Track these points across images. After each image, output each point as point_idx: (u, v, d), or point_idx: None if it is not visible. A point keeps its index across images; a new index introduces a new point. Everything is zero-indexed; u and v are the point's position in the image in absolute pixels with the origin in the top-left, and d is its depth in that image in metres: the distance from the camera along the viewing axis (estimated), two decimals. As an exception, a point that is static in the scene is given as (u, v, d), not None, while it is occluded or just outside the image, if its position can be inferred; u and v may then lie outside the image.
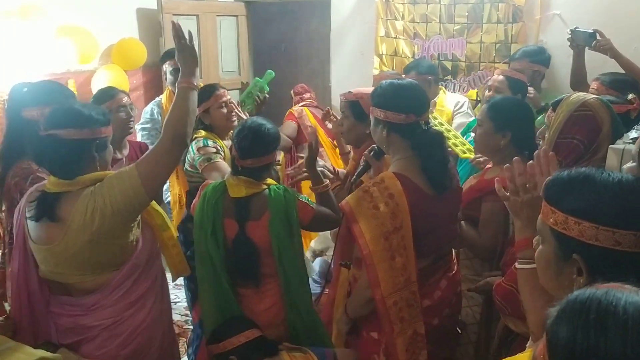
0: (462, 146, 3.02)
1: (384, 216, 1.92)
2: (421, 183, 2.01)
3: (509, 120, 2.28)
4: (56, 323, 2.03)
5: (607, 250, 1.11)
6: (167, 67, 3.79)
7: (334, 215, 2.29)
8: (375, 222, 1.92)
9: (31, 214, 1.91)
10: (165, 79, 3.67)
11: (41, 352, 1.83)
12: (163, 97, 3.85)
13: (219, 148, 2.84)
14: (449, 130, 3.11)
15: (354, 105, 2.45)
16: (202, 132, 2.90)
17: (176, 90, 2.00)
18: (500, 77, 3.24)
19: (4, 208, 2.40)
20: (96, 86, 4.03)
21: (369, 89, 2.37)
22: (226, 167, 2.69)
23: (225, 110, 2.91)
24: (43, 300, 2.02)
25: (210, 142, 2.84)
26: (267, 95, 3.30)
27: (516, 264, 1.53)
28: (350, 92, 2.49)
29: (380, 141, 2.12)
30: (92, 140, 1.92)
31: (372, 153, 2.23)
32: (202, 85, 2.96)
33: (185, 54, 2.03)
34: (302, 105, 4.42)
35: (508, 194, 1.53)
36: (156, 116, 3.77)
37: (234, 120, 2.93)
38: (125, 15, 4.42)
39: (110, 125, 2.00)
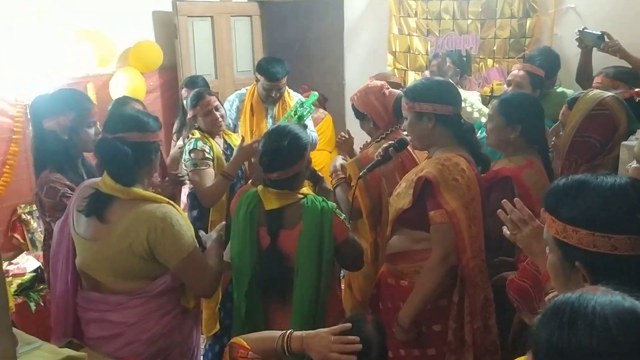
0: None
1: (462, 187, 2.08)
2: (472, 162, 2.19)
3: (518, 115, 2.33)
4: (81, 315, 2.12)
5: (606, 256, 1.14)
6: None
7: (362, 247, 2.26)
8: (457, 193, 2.07)
9: (82, 209, 2.01)
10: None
11: (67, 351, 1.89)
12: (247, 93, 3.81)
13: (208, 151, 2.99)
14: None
15: (354, 108, 2.82)
16: (197, 133, 3.05)
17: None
18: (522, 72, 3.23)
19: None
20: (114, 89, 4.10)
21: (360, 89, 2.79)
22: (210, 175, 2.91)
23: (210, 117, 3.05)
24: (73, 289, 2.13)
25: (200, 144, 2.98)
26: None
27: (546, 297, 1.51)
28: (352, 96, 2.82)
29: (423, 134, 2.22)
30: (151, 144, 2.06)
31: (391, 147, 2.31)
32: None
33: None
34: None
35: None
36: (234, 112, 3.77)
37: (221, 125, 3.11)
38: (141, 19, 4.47)
39: (161, 131, 2.13)
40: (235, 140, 3.20)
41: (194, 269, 2.04)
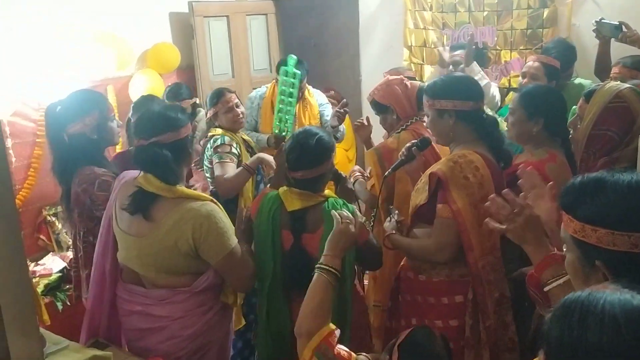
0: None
1: (473, 186, 2.07)
2: (492, 159, 2.18)
3: (541, 108, 2.31)
4: (121, 307, 2.18)
5: (626, 254, 1.13)
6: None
7: (381, 247, 2.28)
8: (466, 192, 2.07)
9: (126, 207, 2.04)
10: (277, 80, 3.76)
11: (93, 351, 1.94)
12: (268, 90, 3.85)
13: (234, 145, 3.09)
14: None
15: (374, 103, 2.83)
16: (219, 130, 3.13)
17: None
18: (537, 63, 3.21)
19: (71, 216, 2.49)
20: (134, 91, 4.15)
21: (377, 85, 2.80)
22: (233, 169, 2.98)
23: (232, 113, 3.16)
24: (112, 281, 2.19)
25: (227, 139, 3.08)
26: (344, 101, 3.47)
27: (545, 288, 1.52)
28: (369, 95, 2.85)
29: (444, 131, 2.23)
30: (186, 139, 2.09)
31: (414, 147, 2.34)
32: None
33: None
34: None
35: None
36: (255, 110, 3.81)
37: (242, 122, 3.23)
38: (158, 20, 4.52)
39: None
40: (252, 142, 3.35)
41: (236, 265, 2.07)
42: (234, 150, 3.07)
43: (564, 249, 1.31)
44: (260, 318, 2.21)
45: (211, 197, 2.13)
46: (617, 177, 1.18)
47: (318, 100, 3.91)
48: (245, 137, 3.34)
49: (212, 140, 3.12)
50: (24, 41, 3.57)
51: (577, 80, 3.38)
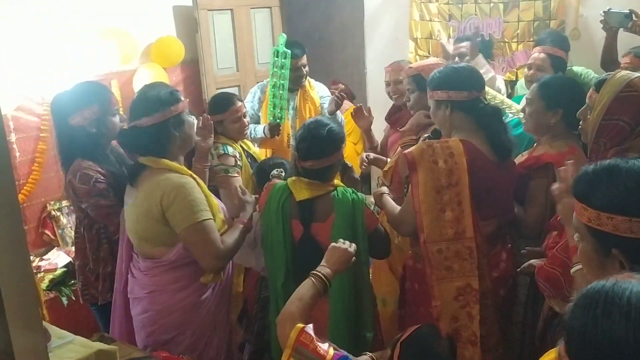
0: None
1: (440, 172, 2.09)
2: (485, 149, 2.17)
3: (560, 98, 2.30)
4: (128, 278, 2.29)
5: None
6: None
7: (388, 236, 2.33)
8: (431, 175, 2.09)
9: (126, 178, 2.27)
10: None
11: (98, 345, 1.93)
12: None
13: (238, 157, 2.91)
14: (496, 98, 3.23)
15: (418, 79, 2.69)
16: (222, 138, 2.93)
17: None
18: (542, 54, 3.18)
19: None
20: (138, 85, 4.13)
21: (428, 62, 2.70)
22: (239, 183, 2.79)
23: (240, 124, 2.97)
24: (127, 257, 2.32)
25: (230, 150, 2.89)
26: (341, 85, 3.35)
27: (572, 270, 1.53)
28: (410, 67, 2.76)
29: (442, 122, 2.26)
30: (166, 122, 2.15)
31: (428, 137, 2.38)
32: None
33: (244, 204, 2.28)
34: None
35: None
36: (256, 103, 3.75)
37: (246, 133, 3.06)
38: (162, 14, 4.49)
39: (181, 101, 2.21)
40: (252, 147, 3.20)
41: (202, 240, 2.10)
42: (238, 162, 2.90)
43: (576, 239, 1.29)
44: (274, 309, 2.20)
45: (193, 174, 2.20)
46: (631, 164, 1.16)
47: (319, 93, 3.86)
48: (245, 145, 3.11)
49: (214, 148, 2.86)
50: (27, 35, 3.55)
51: (575, 68, 3.34)
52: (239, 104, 3.00)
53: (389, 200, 2.36)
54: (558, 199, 1.62)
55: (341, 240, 1.92)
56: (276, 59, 3.52)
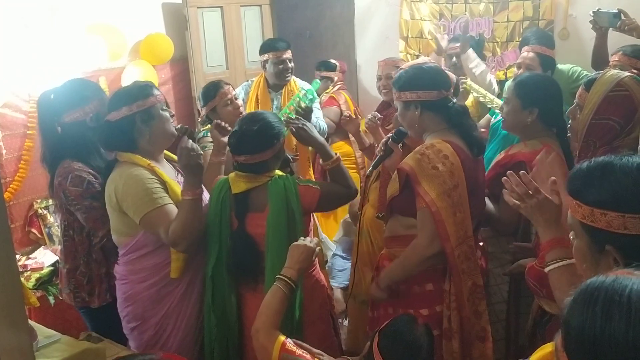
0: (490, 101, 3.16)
1: (444, 175, 2.05)
2: (463, 147, 2.15)
3: (535, 97, 2.28)
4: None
5: (638, 237, 1.10)
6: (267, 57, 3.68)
7: (344, 189, 2.29)
8: (437, 181, 2.05)
9: None
10: (265, 68, 3.69)
11: (85, 344, 1.91)
12: (253, 84, 3.77)
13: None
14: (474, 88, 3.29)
15: None
16: (209, 126, 2.90)
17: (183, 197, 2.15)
18: (531, 54, 3.19)
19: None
20: (126, 82, 4.09)
21: (419, 62, 2.64)
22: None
23: (232, 106, 2.96)
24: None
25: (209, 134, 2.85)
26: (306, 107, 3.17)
27: (546, 269, 1.52)
28: (400, 68, 2.67)
29: (411, 122, 2.21)
30: (132, 116, 2.16)
31: (390, 140, 2.34)
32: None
33: (192, 167, 2.12)
34: (338, 89, 4.45)
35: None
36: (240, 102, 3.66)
37: (242, 114, 2.93)
38: (151, 11, 4.45)
39: (151, 96, 2.20)
40: None
41: (158, 223, 2.12)
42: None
43: (571, 237, 1.28)
44: (206, 303, 2.23)
45: (150, 163, 2.19)
46: (625, 160, 1.16)
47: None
48: None
49: (199, 135, 2.93)
50: (14, 32, 3.51)
51: (560, 66, 3.36)
52: (227, 87, 2.99)
53: (389, 268, 2.23)
54: (519, 200, 1.58)
55: (302, 238, 1.94)
56: (302, 97, 3.28)
